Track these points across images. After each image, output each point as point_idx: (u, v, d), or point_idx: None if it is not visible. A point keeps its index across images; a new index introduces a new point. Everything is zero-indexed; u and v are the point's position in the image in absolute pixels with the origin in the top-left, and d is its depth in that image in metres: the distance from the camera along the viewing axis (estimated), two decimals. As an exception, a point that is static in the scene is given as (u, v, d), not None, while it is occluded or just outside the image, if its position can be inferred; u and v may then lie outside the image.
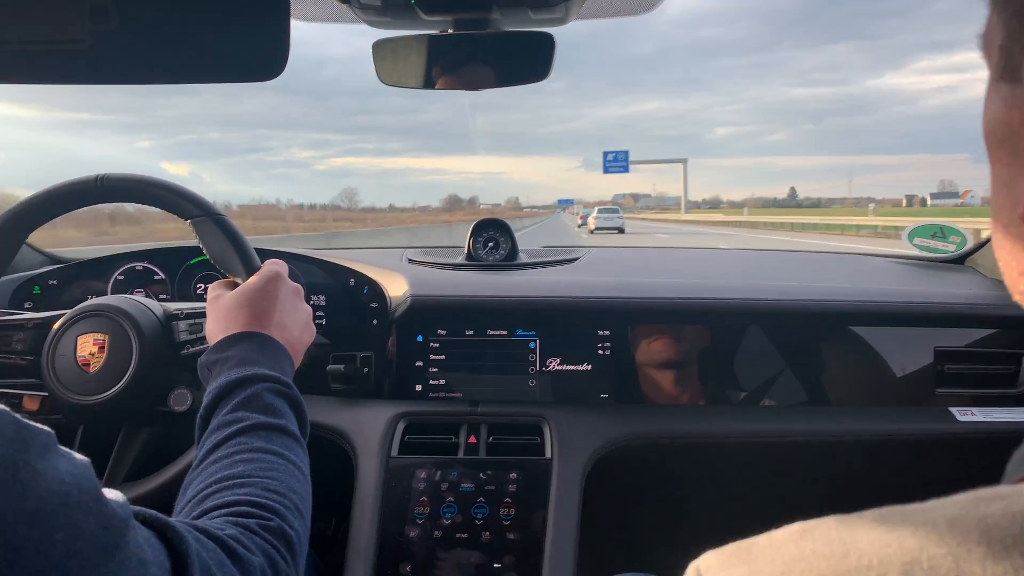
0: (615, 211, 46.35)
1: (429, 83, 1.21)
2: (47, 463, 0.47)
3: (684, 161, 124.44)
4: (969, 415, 1.33)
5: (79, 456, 0.51)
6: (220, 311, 0.93)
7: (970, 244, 1.69)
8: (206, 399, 0.82)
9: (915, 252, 1.79)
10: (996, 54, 0.38)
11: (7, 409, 0.47)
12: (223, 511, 0.68)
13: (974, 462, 1.46)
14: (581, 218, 53.86)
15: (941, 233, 1.71)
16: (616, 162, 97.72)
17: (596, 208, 48.35)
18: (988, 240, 1.64)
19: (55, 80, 0.95)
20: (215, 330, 0.92)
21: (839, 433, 1.35)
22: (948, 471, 1.53)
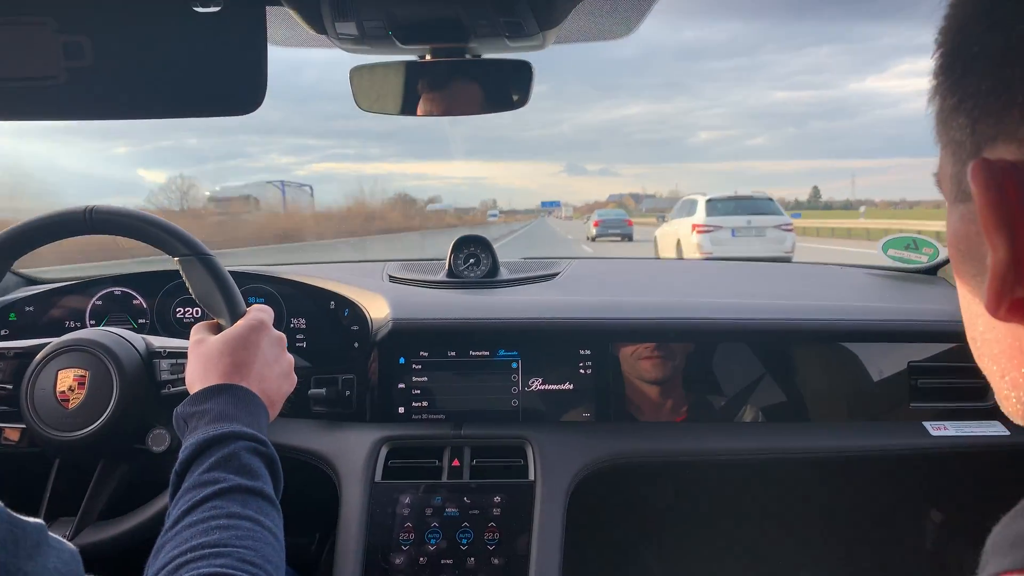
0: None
1: (406, 109, 1.22)
2: (36, 564, 0.47)
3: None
4: (942, 429, 1.36)
5: (68, 547, 0.51)
6: (201, 357, 0.93)
7: (942, 256, 1.72)
8: (182, 455, 0.82)
9: (889, 263, 1.82)
10: (949, 183, 0.42)
11: (0, 506, 0.47)
12: None
13: (948, 474, 1.50)
14: (597, 225, 30.68)
15: (914, 245, 1.74)
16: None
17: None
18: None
19: (30, 116, 0.95)
20: (194, 377, 0.92)
21: (818, 449, 1.37)
22: (924, 483, 1.56)
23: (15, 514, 0.48)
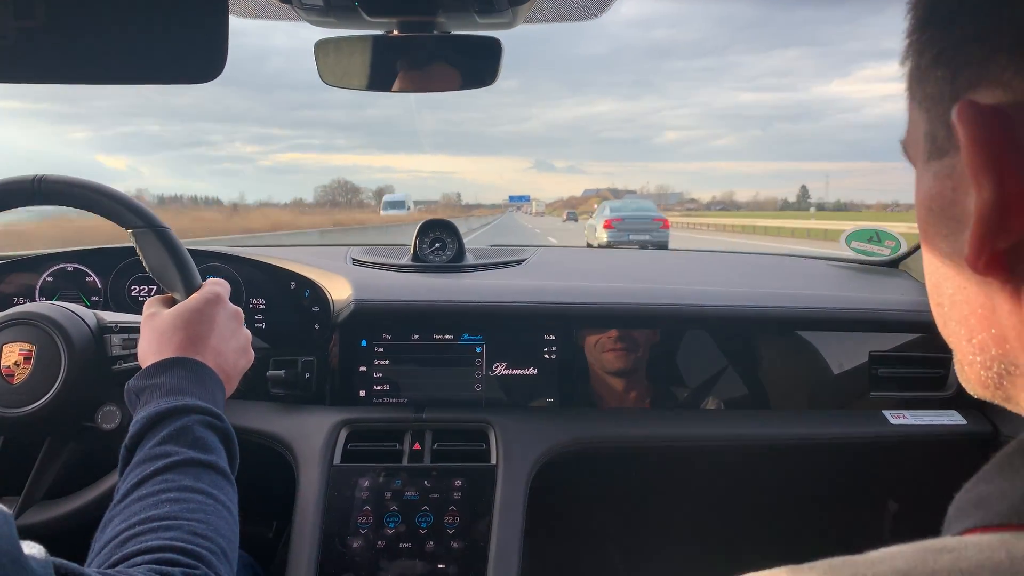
0: None
1: (372, 84, 1.19)
2: None
3: None
4: (901, 418, 1.38)
5: (1, 509, 0.49)
6: (155, 331, 0.90)
7: (904, 248, 1.74)
8: (132, 428, 0.79)
9: (852, 255, 1.84)
10: (922, 142, 0.42)
11: None
12: (145, 557, 0.65)
13: (906, 463, 1.52)
14: (612, 225, 19.09)
15: (877, 237, 1.76)
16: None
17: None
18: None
19: (-26, 78, 0.91)
20: (147, 351, 0.89)
21: (779, 437, 1.38)
22: (882, 472, 1.58)
23: None
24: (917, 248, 1.70)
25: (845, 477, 1.59)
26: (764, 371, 1.46)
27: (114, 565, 0.66)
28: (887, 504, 1.65)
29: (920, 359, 1.44)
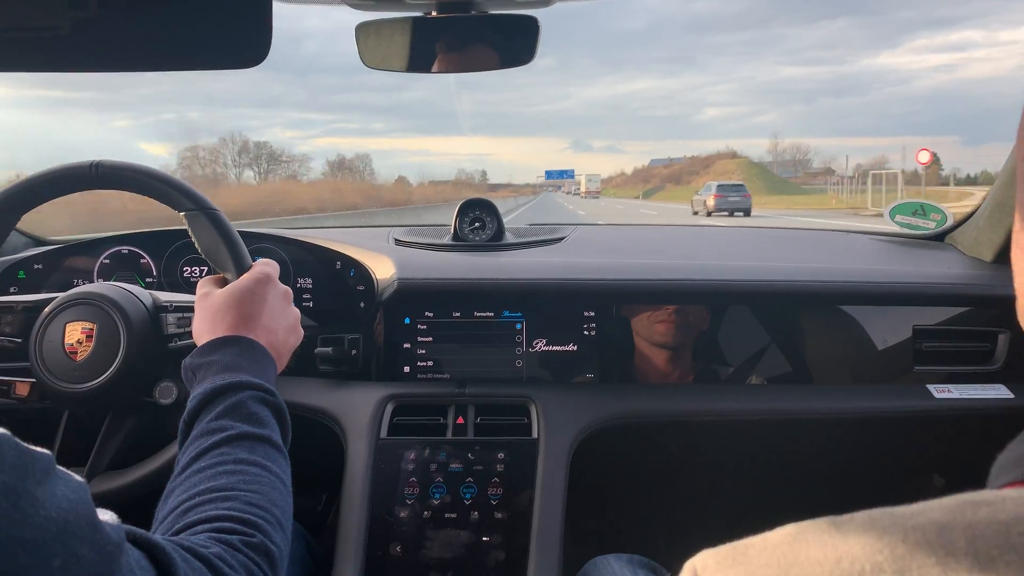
0: None
1: (413, 66, 1.21)
2: (46, 489, 0.48)
3: None
4: (946, 392, 1.36)
5: (76, 478, 0.52)
6: (208, 310, 0.94)
7: (950, 222, 1.71)
8: (190, 404, 0.83)
9: (896, 229, 1.81)
10: None
11: (8, 434, 0.48)
12: (206, 526, 0.69)
13: (951, 438, 1.50)
14: None
15: (922, 211, 1.73)
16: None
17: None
18: (968, 217, 1.65)
19: (33, 68, 0.94)
20: (201, 329, 0.93)
21: (822, 411, 1.37)
22: (927, 447, 1.56)
23: (23, 443, 0.49)
24: (964, 221, 1.66)
25: (889, 451, 1.57)
26: (807, 346, 1.45)
27: (176, 533, 0.69)
28: (932, 479, 1.63)
29: (966, 333, 1.42)
